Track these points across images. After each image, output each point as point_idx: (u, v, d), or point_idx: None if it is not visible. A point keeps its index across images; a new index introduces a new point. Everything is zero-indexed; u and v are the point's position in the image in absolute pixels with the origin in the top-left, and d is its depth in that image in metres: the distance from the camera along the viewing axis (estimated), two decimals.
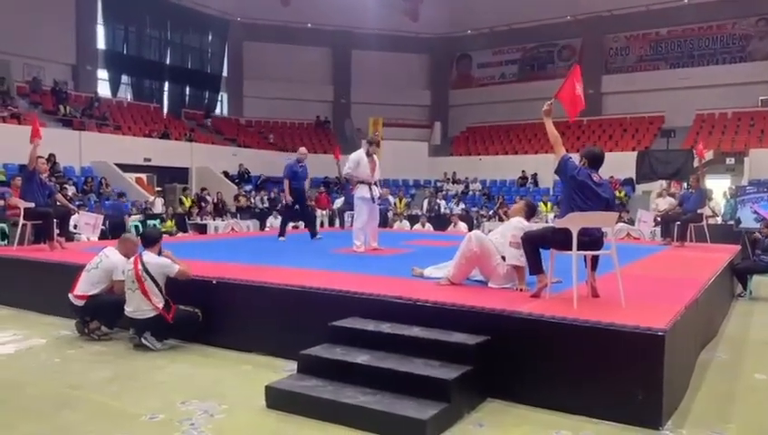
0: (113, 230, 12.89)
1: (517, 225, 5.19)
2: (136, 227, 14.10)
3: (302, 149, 10.36)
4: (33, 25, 20.76)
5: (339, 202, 19.67)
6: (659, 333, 3.78)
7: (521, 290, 5.04)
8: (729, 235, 12.07)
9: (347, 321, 4.71)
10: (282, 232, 10.34)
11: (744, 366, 5.29)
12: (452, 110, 30.95)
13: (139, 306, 5.41)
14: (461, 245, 5.39)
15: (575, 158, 4.87)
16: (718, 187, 16.29)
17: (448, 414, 3.77)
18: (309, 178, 11.20)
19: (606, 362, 3.92)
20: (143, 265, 5.46)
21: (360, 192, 8.35)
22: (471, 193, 23.53)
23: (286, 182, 10.02)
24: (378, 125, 25.91)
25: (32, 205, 8.10)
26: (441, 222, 17.06)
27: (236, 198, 19.77)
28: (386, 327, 4.53)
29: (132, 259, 5.61)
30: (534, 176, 23.62)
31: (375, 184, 8.48)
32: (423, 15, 29.30)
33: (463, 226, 15.28)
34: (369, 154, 8.40)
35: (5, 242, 11.33)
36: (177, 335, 5.60)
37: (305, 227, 11.10)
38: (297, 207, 10.32)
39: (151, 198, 17.39)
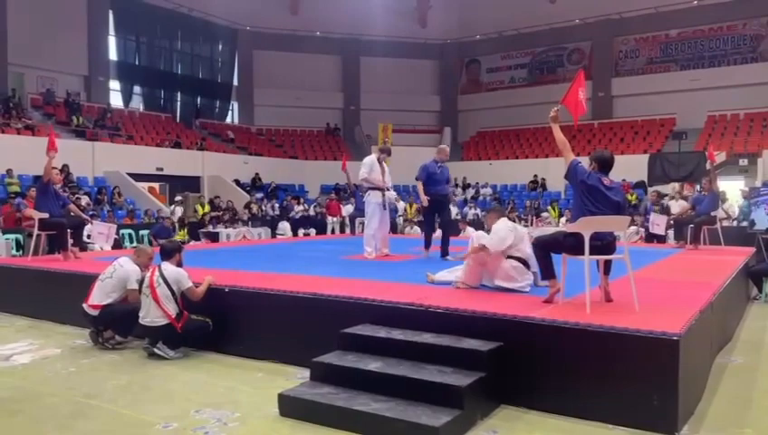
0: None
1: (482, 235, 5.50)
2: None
3: (443, 147, 8.75)
4: (46, 38, 21.06)
5: (349, 209, 19.70)
6: (674, 338, 3.74)
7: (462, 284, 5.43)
8: (743, 237, 11.96)
9: (358, 328, 4.71)
10: (427, 243, 8.53)
11: (761, 370, 5.23)
12: (461, 115, 30.94)
13: (150, 313, 5.46)
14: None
15: (584, 162, 4.87)
16: (732, 188, 16.15)
17: (462, 421, 3.75)
18: (451, 182, 9.42)
19: (620, 367, 3.89)
20: (160, 272, 5.54)
21: (374, 198, 8.36)
22: (482, 198, 23.49)
23: (420, 185, 8.22)
24: (387, 131, 25.98)
25: (46, 215, 8.18)
26: (451, 227, 16.99)
27: (248, 205, 19.87)
28: (397, 334, 4.52)
29: (151, 268, 5.71)
30: (545, 180, 23.54)
31: (388, 189, 8.50)
32: (431, 21, 29.39)
33: (471, 230, 15.21)
34: (379, 161, 8.43)
35: (20, 252, 11.47)
36: (189, 344, 5.63)
37: (442, 240, 8.43)
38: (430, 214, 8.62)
39: (171, 207, 17.41)
